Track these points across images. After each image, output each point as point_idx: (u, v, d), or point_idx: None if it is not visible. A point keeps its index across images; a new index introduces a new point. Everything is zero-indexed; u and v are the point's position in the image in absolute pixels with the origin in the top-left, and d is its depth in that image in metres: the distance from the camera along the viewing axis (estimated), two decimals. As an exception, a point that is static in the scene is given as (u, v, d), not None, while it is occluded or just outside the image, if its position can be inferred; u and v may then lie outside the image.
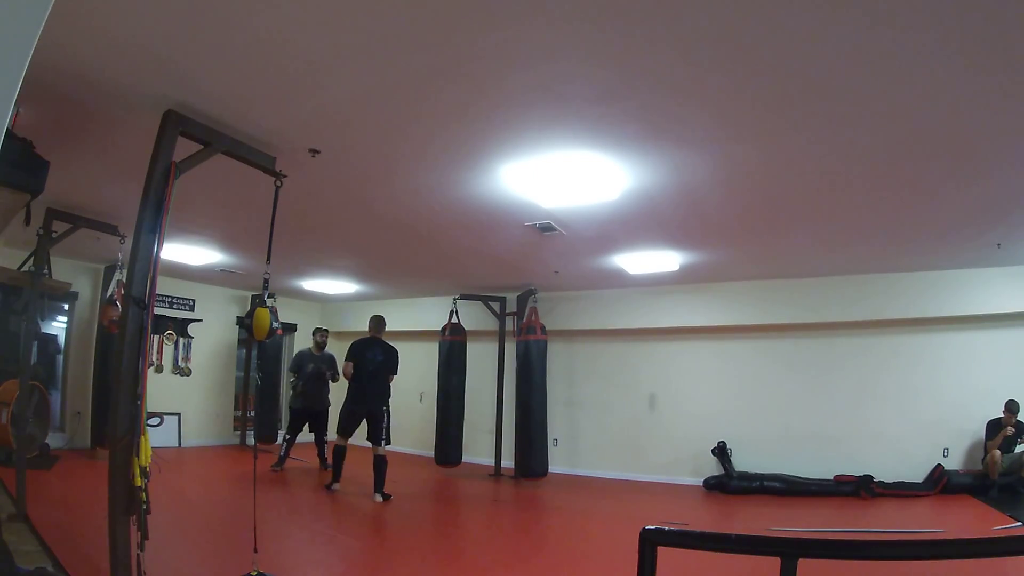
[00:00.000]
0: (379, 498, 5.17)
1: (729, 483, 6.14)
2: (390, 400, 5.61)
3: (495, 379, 7.28)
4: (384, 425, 5.38)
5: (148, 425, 2.53)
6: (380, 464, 5.25)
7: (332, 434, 6.05)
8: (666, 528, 1.11)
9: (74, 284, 6.51)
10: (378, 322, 5.73)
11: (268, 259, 3.25)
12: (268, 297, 3.20)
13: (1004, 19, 1.95)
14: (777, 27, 2.06)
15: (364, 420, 5.47)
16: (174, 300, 7.87)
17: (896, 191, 3.68)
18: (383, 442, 5.33)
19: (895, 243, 4.90)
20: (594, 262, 5.85)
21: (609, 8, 1.98)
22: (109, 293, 6.08)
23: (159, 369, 7.55)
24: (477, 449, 7.45)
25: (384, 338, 5.69)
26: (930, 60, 2.21)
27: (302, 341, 9.53)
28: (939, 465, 5.76)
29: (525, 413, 6.61)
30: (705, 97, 2.58)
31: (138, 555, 2.43)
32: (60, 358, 6.89)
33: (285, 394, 9.19)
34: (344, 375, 5.45)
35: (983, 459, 5.52)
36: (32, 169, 2.78)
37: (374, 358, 5.45)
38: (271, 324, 3.16)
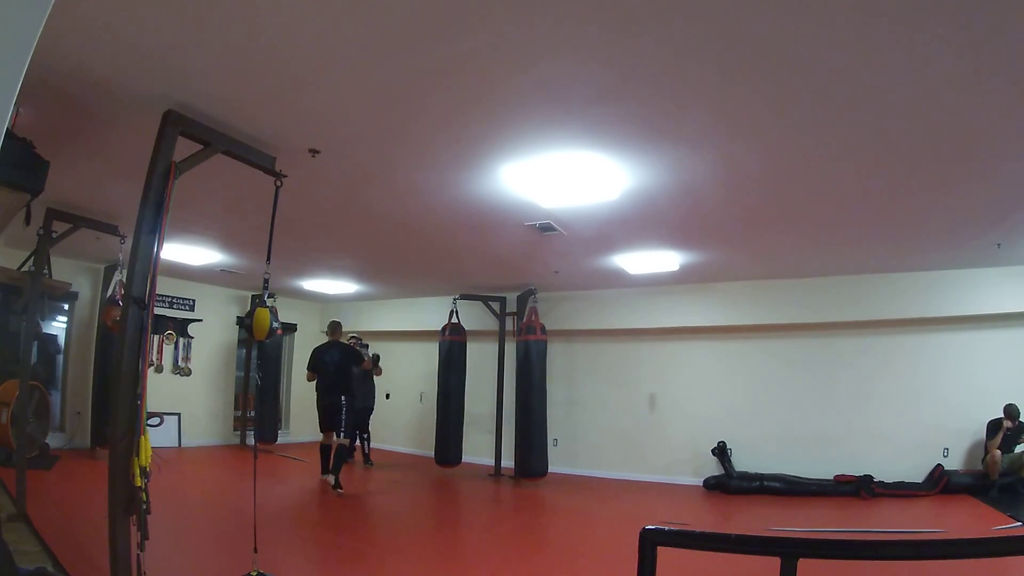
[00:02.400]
0: (331, 479, 5.52)
1: (729, 483, 6.14)
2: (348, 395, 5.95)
3: (495, 379, 7.28)
4: (341, 417, 5.74)
5: (148, 425, 2.53)
6: (339, 450, 5.66)
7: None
8: (666, 528, 1.11)
9: (74, 284, 6.52)
10: (334, 327, 6.25)
11: (268, 259, 3.25)
12: (268, 297, 3.20)
13: (1005, 19, 1.95)
14: (776, 28, 2.06)
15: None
16: (174, 300, 7.87)
17: (896, 191, 3.68)
18: (341, 433, 5.73)
19: (895, 243, 4.90)
20: (594, 262, 5.85)
21: (608, 8, 1.98)
22: (109, 293, 6.08)
23: (159, 369, 7.55)
24: (477, 449, 7.45)
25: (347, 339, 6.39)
26: (931, 60, 2.21)
27: (302, 341, 9.55)
28: (939, 465, 5.76)
29: (525, 413, 6.61)
30: (704, 97, 2.58)
31: (138, 555, 2.43)
32: (60, 358, 6.88)
33: (285, 394, 9.21)
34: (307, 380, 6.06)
35: (983, 459, 5.52)
36: (32, 169, 2.78)
37: (331, 359, 5.93)
38: (271, 324, 3.17)
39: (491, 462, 7.23)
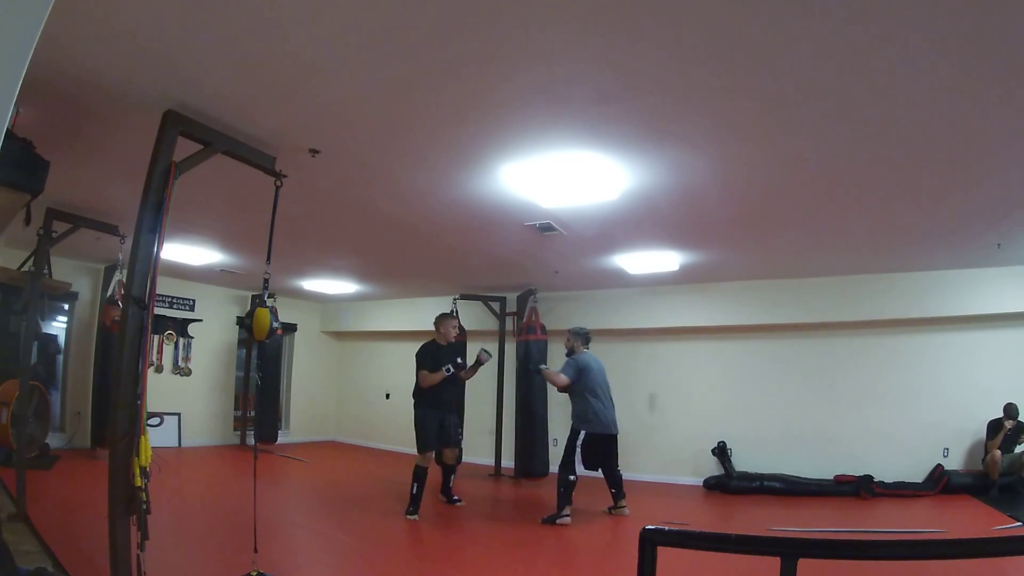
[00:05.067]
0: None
1: (729, 483, 6.14)
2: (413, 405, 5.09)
3: (495, 379, 7.28)
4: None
5: (148, 425, 2.53)
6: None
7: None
8: (666, 528, 1.12)
9: (74, 284, 6.52)
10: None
11: (268, 259, 3.25)
12: (268, 297, 3.20)
13: (1002, 25, 1.95)
14: (774, 31, 2.07)
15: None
16: (174, 300, 7.87)
17: (896, 192, 3.68)
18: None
19: (895, 243, 4.90)
20: (594, 262, 5.85)
21: (609, 11, 1.99)
22: (109, 293, 6.08)
23: (159, 369, 7.55)
24: (477, 449, 7.44)
25: (438, 336, 5.15)
26: (928, 64, 2.21)
27: (302, 341, 9.53)
28: (939, 465, 5.76)
29: (525, 413, 6.61)
30: (703, 98, 2.58)
31: (138, 555, 2.43)
32: (60, 358, 6.88)
33: (285, 394, 9.19)
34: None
35: (983, 459, 5.52)
36: (32, 169, 2.78)
37: None
38: (271, 324, 3.16)
39: (491, 462, 7.23)
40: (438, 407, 4.92)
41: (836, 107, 2.62)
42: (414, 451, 5.01)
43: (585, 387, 4.90)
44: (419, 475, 4.74)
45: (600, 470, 4.98)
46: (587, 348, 5.19)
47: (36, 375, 5.45)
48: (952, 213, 4.09)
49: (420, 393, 4.93)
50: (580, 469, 4.81)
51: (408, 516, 4.61)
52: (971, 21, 1.96)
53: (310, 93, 2.65)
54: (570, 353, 5.19)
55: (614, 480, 5.03)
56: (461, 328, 7.03)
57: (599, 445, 4.88)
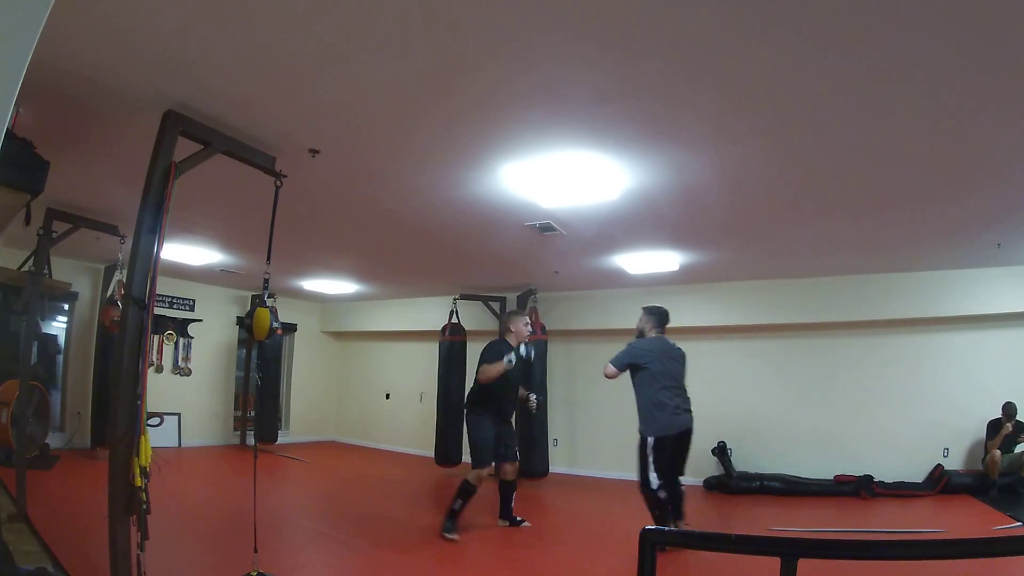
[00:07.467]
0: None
1: (729, 483, 6.14)
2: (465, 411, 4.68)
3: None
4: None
5: (148, 425, 2.53)
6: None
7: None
8: (666, 528, 1.12)
9: (74, 284, 6.52)
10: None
11: (268, 259, 3.25)
12: (268, 297, 3.20)
13: (1002, 33, 1.95)
14: (771, 38, 2.07)
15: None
16: (174, 300, 7.87)
17: (896, 193, 3.68)
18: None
19: (895, 244, 4.90)
20: (594, 262, 5.85)
21: (608, 15, 1.99)
22: (109, 293, 6.08)
23: (159, 369, 7.55)
24: (477, 449, 7.44)
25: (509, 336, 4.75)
26: (928, 66, 2.21)
27: (302, 341, 9.53)
28: (939, 465, 5.76)
29: (525, 413, 6.60)
30: (701, 100, 2.58)
31: (138, 555, 2.43)
32: (60, 358, 6.88)
33: (285, 394, 9.19)
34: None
35: (983, 459, 5.52)
36: (32, 169, 2.78)
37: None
38: (271, 324, 3.17)
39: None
40: (497, 416, 4.43)
41: (834, 111, 2.62)
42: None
43: (645, 380, 4.15)
44: (467, 491, 4.21)
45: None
46: (661, 331, 4.34)
47: (36, 375, 5.45)
48: (952, 214, 4.08)
49: (478, 399, 4.43)
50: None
51: (445, 535, 4.08)
52: (970, 27, 1.96)
53: (310, 93, 2.65)
54: (640, 336, 4.36)
55: (673, 494, 4.13)
56: (460, 328, 7.06)
57: (666, 449, 4.10)
